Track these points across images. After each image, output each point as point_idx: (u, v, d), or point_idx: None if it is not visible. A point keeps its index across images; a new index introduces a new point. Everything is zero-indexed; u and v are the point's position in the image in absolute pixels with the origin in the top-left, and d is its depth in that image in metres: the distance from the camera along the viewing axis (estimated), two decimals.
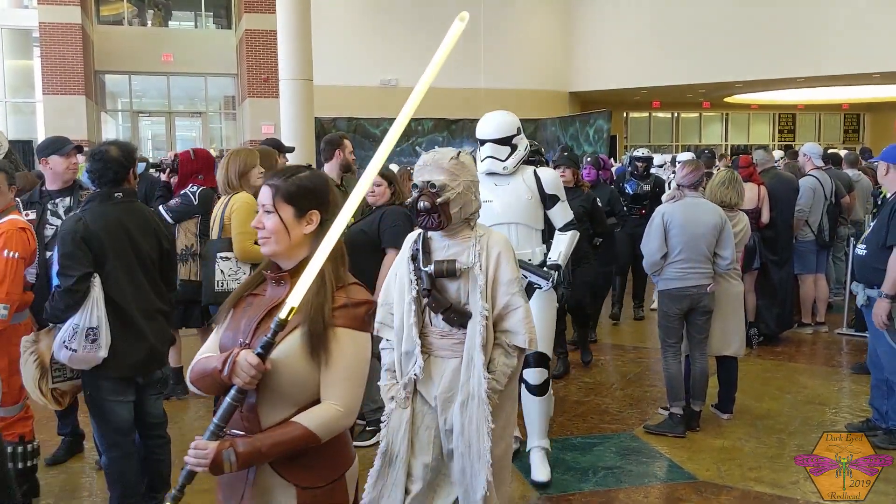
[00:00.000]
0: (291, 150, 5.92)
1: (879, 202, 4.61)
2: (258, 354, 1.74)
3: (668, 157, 9.65)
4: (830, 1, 16.67)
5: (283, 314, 1.72)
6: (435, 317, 2.74)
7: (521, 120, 4.12)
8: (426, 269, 2.72)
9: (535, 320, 3.23)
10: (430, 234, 2.80)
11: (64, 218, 4.01)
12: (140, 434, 3.35)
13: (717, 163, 9.92)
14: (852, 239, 6.78)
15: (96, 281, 3.07)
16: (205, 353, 1.95)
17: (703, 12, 17.85)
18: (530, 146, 4.20)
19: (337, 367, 1.82)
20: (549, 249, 4.07)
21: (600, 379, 5.86)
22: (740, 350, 4.88)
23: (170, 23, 19.86)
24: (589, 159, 7.18)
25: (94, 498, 3.82)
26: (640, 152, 8.46)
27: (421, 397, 2.77)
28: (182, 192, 4.96)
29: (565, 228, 3.98)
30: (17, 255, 3.37)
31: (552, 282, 3.65)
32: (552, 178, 3.96)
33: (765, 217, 6.34)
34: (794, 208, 6.75)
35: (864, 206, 8.13)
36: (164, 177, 5.44)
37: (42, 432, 3.80)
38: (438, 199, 2.67)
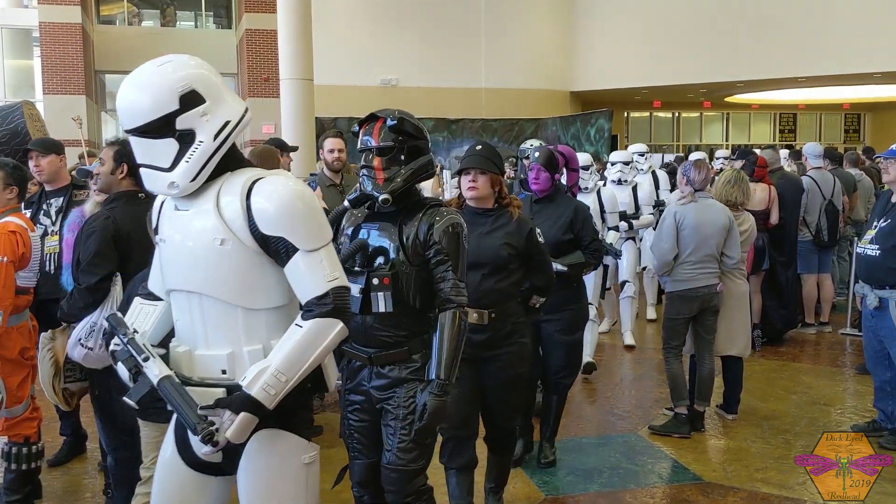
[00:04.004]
0: (295, 148, 5.89)
1: (889, 202, 4.54)
2: None
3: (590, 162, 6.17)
4: (831, 1, 16.65)
5: None
6: None
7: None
8: None
9: None
10: None
11: (54, 218, 4.00)
12: None
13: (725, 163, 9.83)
14: (856, 239, 6.76)
15: (118, 280, 3.04)
16: None
17: (704, 12, 17.82)
18: (388, 128, 2.48)
19: None
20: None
21: (604, 380, 5.83)
22: (746, 350, 4.86)
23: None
24: (537, 154, 4.02)
25: (97, 499, 3.79)
26: (529, 143, 5.33)
27: None
28: None
29: (311, 311, 1.97)
30: (5, 259, 3.34)
31: (203, 436, 1.86)
32: (277, 198, 1.94)
33: (773, 218, 6.32)
34: (800, 208, 6.75)
35: (866, 205, 8.11)
36: None
37: (44, 433, 3.78)
38: None
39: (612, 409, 5.17)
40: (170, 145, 1.95)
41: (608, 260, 5.81)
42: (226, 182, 2.00)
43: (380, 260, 2.50)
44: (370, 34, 17.91)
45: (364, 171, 2.54)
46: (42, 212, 4.06)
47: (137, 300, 2.25)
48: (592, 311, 5.79)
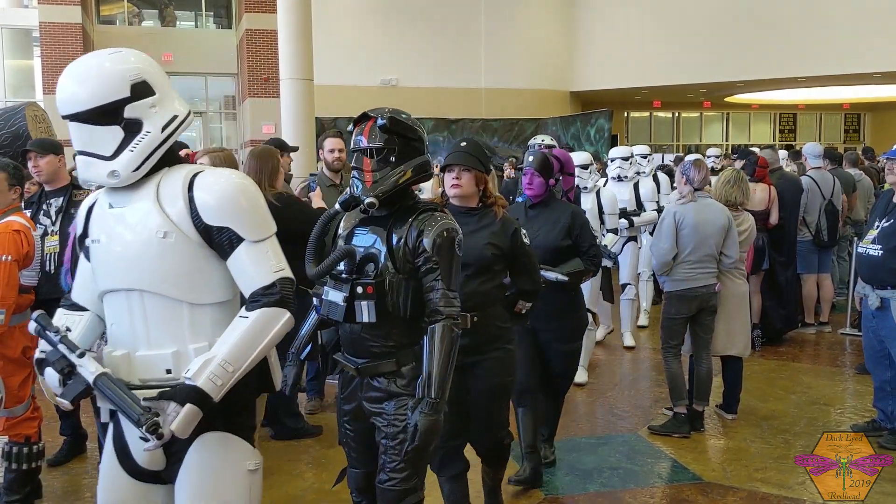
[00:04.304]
0: (295, 149, 5.89)
1: (890, 202, 4.53)
2: None
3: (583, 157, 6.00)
4: (831, 1, 16.66)
5: None
6: None
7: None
8: None
9: None
10: None
11: (53, 218, 4.00)
12: None
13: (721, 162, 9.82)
14: (856, 239, 6.77)
15: None
16: None
17: (704, 12, 17.85)
18: (378, 127, 2.36)
19: None
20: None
21: (604, 380, 5.84)
22: (745, 350, 4.87)
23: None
24: (531, 158, 3.82)
25: (96, 499, 3.79)
26: (541, 139, 5.24)
27: None
28: None
29: (257, 302, 1.95)
30: (9, 258, 3.35)
31: (148, 427, 1.80)
32: (220, 189, 1.96)
33: (773, 218, 6.33)
34: (799, 208, 6.76)
35: (866, 205, 8.12)
36: None
37: (44, 433, 3.78)
38: None
39: (611, 409, 5.17)
40: (114, 133, 1.93)
41: (608, 262, 5.56)
42: (165, 176, 1.99)
43: (369, 267, 2.37)
44: (370, 34, 17.92)
45: (354, 172, 2.43)
46: (42, 212, 4.07)
47: (60, 311, 2.17)
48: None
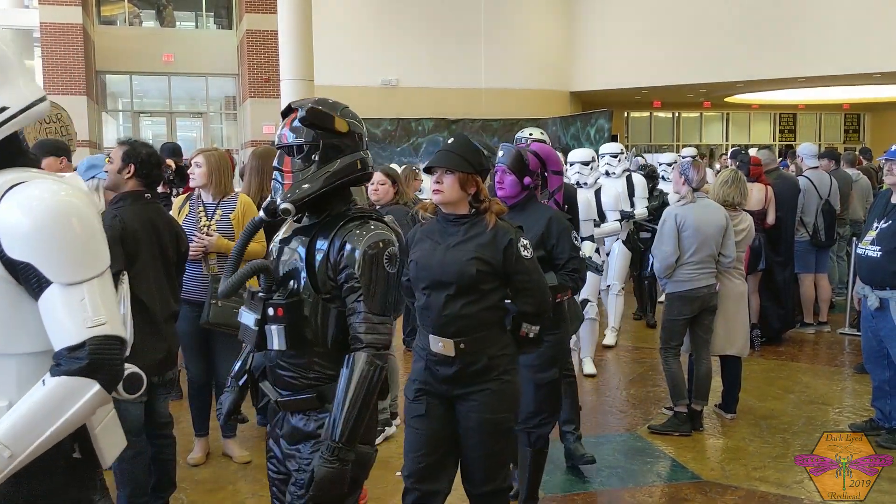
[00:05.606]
0: None
1: (889, 202, 4.55)
2: None
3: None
4: (831, 1, 16.68)
5: None
6: None
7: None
8: None
9: None
10: None
11: None
12: (148, 434, 3.36)
13: (716, 162, 9.83)
14: (855, 238, 6.79)
15: (125, 279, 2.97)
16: None
17: (703, 12, 17.87)
18: (299, 120, 2.05)
19: None
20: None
21: (604, 379, 5.86)
22: (744, 350, 4.90)
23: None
24: (502, 154, 3.30)
25: None
26: (528, 132, 4.71)
27: None
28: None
29: (59, 366, 1.47)
30: None
31: None
32: (38, 209, 1.46)
33: (770, 218, 6.35)
34: (796, 208, 6.78)
35: (864, 205, 8.14)
36: (160, 188, 4.90)
37: None
38: None
39: (611, 408, 5.20)
40: None
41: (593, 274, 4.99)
42: None
43: (291, 284, 2.05)
44: (370, 34, 17.94)
45: (275, 173, 2.09)
46: None
47: None
48: (594, 310, 5.51)
